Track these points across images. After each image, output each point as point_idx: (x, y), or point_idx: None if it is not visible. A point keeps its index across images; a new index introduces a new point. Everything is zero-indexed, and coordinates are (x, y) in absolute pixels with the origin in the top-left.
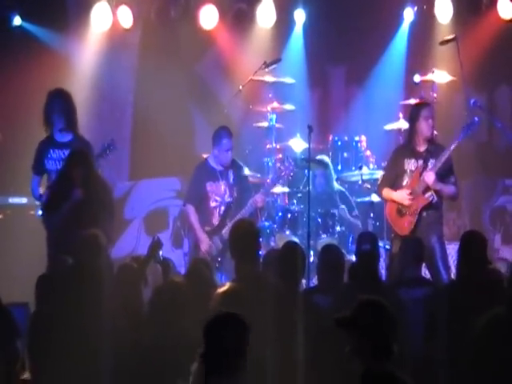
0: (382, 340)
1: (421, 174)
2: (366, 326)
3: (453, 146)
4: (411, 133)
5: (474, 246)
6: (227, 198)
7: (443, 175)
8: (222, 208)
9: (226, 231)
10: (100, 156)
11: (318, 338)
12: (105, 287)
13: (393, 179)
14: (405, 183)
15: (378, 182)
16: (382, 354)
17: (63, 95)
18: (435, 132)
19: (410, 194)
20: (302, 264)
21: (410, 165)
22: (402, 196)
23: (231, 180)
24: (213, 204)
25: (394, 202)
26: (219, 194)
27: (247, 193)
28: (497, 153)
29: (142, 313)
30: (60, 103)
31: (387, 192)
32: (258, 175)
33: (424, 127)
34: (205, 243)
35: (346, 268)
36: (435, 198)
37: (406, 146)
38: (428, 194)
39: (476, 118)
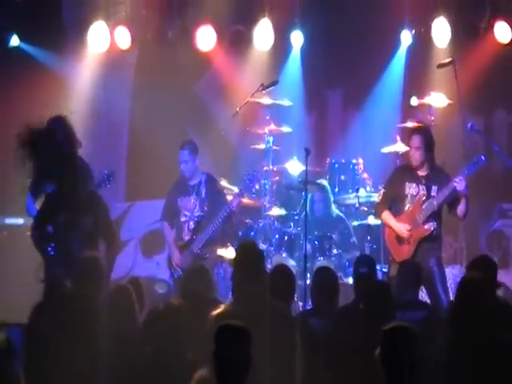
0: None
1: (423, 203)
2: None
3: (457, 181)
4: (409, 157)
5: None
6: (196, 213)
7: (453, 203)
8: (191, 223)
9: (195, 246)
10: (98, 186)
11: (312, 361)
12: (101, 312)
13: (392, 199)
14: (406, 208)
15: (378, 200)
16: None
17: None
18: None
19: (410, 229)
20: (292, 287)
21: (412, 189)
22: (400, 230)
23: (203, 194)
24: (183, 219)
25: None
26: (189, 208)
27: (220, 207)
28: (494, 176)
29: (136, 335)
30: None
31: (387, 217)
32: (253, 196)
33: (412, 156)
34: (176, 258)
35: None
36: (435, 228)
37: (406, 168)
38: (429, 225)
39: (482, 157)
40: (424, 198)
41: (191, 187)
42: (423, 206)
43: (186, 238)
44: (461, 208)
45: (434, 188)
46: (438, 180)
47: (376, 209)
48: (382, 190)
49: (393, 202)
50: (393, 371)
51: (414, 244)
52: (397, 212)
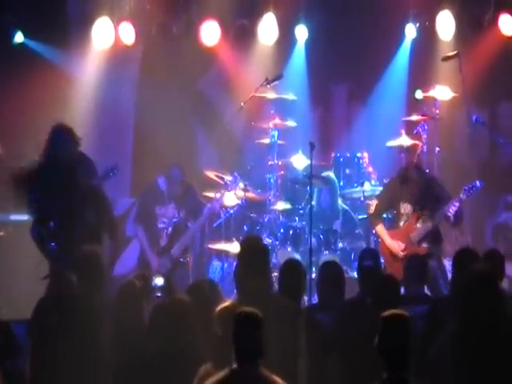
0: None
1: (416, 221)
2: None
3: (452, 208)
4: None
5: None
6: (174, 219)
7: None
8: (170, 229)
9: (174, 251)
10: (103, 178)
11: (321, 355)
12: (107, 307)
13: (385, 211)
14: (401, 224)
15: (371, 211)
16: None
17: (65, 131)
18: (437, 148)
19: (404, 249)
20: (303, 281)
21: (407, 210)
22: (395, 249)
23: (178, 200)
24: (161, 225)
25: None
26: (167, 216)
27: (197, 211)
28: (499, 169)
29: (143, 330)
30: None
31: (381, 232)
32: (259, 190)
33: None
34: (155, 262)
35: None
36: (432, 247)
37: (400, 183)
38: (424, 245)
39: (478, 182)
40: (417, 218)
41: (169, 195)
42: (418, 225)
43: (163, 243)
44: (454, 220)
45: (429, 206)
46: (432, 194)
47: (370, 220)
48: (375, 201)
49: (388, 212)
50: (390, 357)
51: None
52: (393, 228)
